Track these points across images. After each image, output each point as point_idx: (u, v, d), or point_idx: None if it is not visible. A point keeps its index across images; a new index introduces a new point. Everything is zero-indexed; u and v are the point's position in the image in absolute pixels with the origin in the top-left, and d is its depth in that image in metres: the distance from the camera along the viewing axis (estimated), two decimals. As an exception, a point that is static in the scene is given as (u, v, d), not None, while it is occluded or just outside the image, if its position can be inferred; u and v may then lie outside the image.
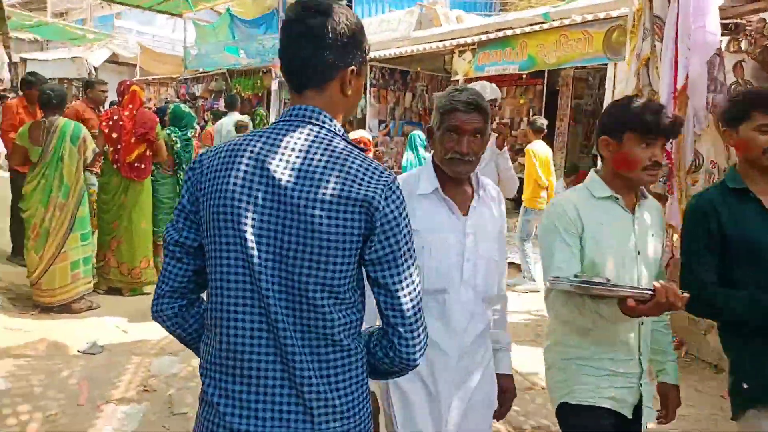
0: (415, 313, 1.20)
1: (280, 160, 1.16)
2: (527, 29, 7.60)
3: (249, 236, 1.14)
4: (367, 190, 1.14)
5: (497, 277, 1.93)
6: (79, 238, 4.73)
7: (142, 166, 5.28)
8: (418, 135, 6.69)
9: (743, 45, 5.15)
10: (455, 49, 8.76)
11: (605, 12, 6.51)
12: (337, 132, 1.22)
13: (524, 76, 9.11)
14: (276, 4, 16.61)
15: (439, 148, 1.81)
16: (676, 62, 4.50)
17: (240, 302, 1.16)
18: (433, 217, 1.79)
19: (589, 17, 6.62)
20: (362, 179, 1.15)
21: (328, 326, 1.16)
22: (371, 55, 10.67)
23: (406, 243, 1.19)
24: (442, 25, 11.00)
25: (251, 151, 1.18)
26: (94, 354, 3.84)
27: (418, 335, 1.22)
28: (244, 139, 1.22)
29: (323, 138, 1.19)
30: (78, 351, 3.88)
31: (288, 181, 1.14)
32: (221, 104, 15.88)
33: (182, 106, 6.32)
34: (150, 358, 3.89)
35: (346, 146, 1.20)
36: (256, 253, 1.14)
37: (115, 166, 5.20)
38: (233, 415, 1.16)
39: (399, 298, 1.18)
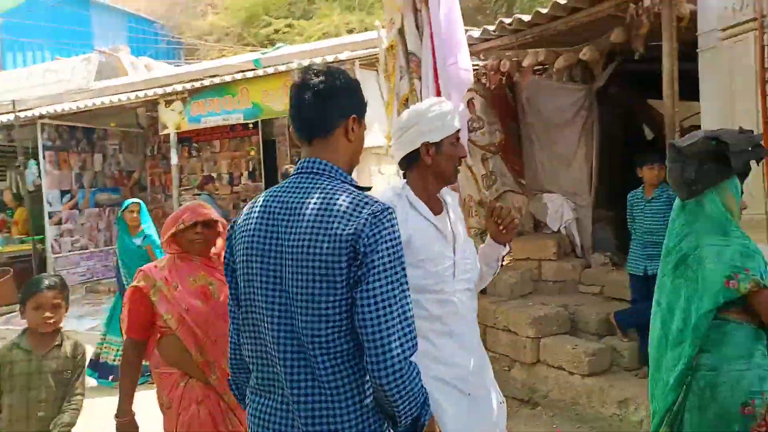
0: (381, 333, 1.23)
1: (285, 211, 1.33)
2: (249, 75, 6.87)
3: (259, 281, 1.34)
4: (354, 226, 1.25)
5: None
6: None
7: None
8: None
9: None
10: (160, 99, 7.44)
11: (333, 55, 6.26)
12: (338, 177, 1.37)
13: (250, 125, 8.33)
14: None
15: None
16: (439, 100, 4.37)
17: (252, 335, 1.39)
18: None
19: (318, 60, 6.27)
20: (351, 215, 1.26)
21: (322, 351, 1.28)
22: (38, 112, 8.53)
23: (384, 265, 1.24)
24: (129, 74, 9.47)
25: (263, 206, 1.38)
26: None
27: (383, 357, 1.23)
28: (260, 196, 1.44)
29: (325, 186, 1.34)
30: None
31: (287, 228, 1.31)
32: None
33: None
34: None
35: (344, 190, 1.33)
36: (263, 294, 1.33)
37: None
38: (254, 423, 1.41)
39: (363, 314, 1.23)
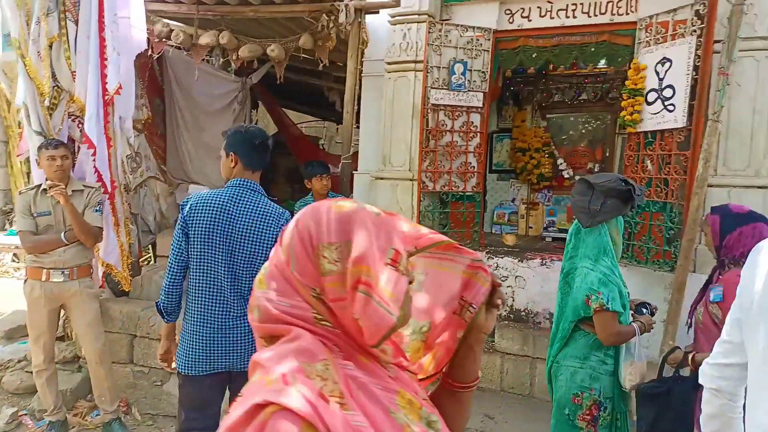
0: None
1: (236, 206, 2.34)
2: None
3: (218, 248, 2.32)
4: (282, 216, 2.38)
5: None
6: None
7: None
8: None
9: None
10: None
11: None
12: (262, 193, 2.43)
13: None
14: None
15: None
16: (102, 56, 3.46)
17: (206, 282, 2.36)
18: None
19: None
20: (280, 215, 2.38)
21: (251, 276, 2.34)
22: None
23: None
24: None
25: (219, 201, 2.34)
26: None
27: None
28: (213, 193, 2.37)
29: (258, 196, 2.39)
30: None
31: (239, 213, 2.33)
32: None
33: None
34: None
35: (268, 200, 2.41)
36: (220, 257, 2.32)
37: None
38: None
39: None
